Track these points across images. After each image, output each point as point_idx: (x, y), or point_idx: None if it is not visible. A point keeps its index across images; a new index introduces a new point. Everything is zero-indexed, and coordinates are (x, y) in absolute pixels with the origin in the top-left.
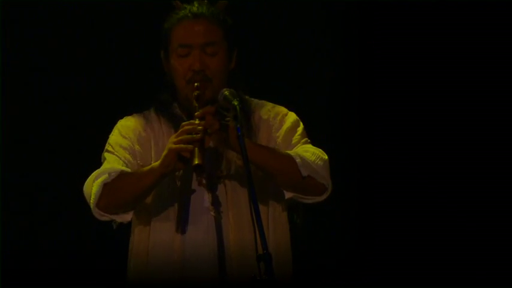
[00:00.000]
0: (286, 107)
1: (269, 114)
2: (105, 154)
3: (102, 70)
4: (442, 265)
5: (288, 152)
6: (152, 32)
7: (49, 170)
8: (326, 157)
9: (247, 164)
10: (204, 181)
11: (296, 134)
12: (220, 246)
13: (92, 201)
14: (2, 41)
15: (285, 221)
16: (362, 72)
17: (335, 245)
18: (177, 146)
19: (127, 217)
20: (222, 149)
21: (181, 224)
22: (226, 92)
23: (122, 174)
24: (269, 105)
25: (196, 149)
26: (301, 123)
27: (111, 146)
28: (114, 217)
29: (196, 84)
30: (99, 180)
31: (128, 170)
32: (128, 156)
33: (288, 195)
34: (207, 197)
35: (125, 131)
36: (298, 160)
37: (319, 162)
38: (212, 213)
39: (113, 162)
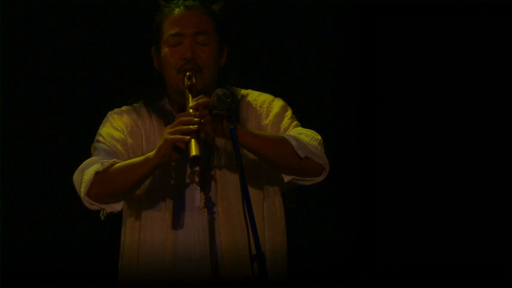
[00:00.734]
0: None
1: (256, 103)
2: (96, 144)
3: (101, 69)
4: (442, 265)
5: (282, 135)
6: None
7: (49, 170)
8: (320, 137)
9: (241, 165)
10: (196, 179)
11: (286, 119)
12: (212, 246)
13: (82, 189)
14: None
15: (281, 214)
16: (362, 72)
17: (335, 245)
18: (174, 136)
19: (117, 207)
20: (213, 140)
21: (173, 224)
22: (220, 92)
23: (114, 164)
24: (255, 94)
25: (193, 140)
26: (289, 108)
27: (103, 137)
28: (104, 206)
29: (188, 73)
30: (91, 169)
31: (120, 161)
32: (119, 148)
33: (286, 178)
34: (198, 197)
35: (117, 123)
36: (294, 143)
37: (314, 143)
38: (203, 212)
39: (104, 151)
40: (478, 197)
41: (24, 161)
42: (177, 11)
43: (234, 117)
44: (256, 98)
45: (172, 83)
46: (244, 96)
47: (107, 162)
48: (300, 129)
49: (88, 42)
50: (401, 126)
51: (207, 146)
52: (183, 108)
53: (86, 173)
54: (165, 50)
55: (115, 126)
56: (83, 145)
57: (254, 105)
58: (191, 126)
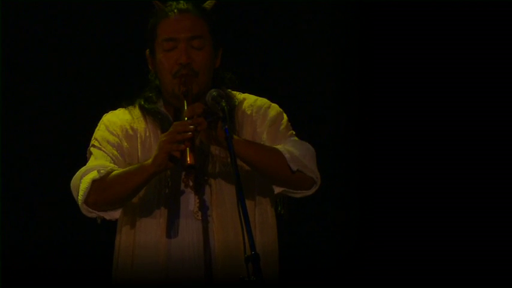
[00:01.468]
0: (286, 106)
1: (252, 109)
2: (92, 149)
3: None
4: (442, 265)
5: (276, 146)
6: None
7: (49, 169)
8: (313, 150)
9: (236, 167)
10: (190, 183)
11: (281, 127)
12: (206, 249)
13: (79, 197)
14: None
15: (272, 221)
16: (362, 72)
17: (335, 245)
18: (169, 145)
19: (115, 214)
20: (208, 147)
21: (167, 226)
22: (215, 93)
23: (111, 172)
24: (251, 99)
25: (188, 148)
26: (284, 115)
27: (98, 142)
28: (102, 214)
29: (183, 79)
30: (88, 177)
31: (116, 167)
32: (115, 152)
33: (277, 190)
34: (193, 200)
35: (112, 127)
36: (287, 155)
37: (307, 156)
38: (197, 216)
39: (100, 158)
40: (478, 197)
41: (24, 161)
42: (171, 14)
43: (228, 118)
44: (252, 103)
45: (167, 87)
46: (240, 102)
47: (104, 170)
48: (294, 140)
49: (84, 44)
50: (401, 126)
51: (202, 151)
52: (178, 110)
53: (83, 181)
54: (160, 54)
55: (110, 130)
56: (83, 145)
57: (250, 111)
58: (186, 135)
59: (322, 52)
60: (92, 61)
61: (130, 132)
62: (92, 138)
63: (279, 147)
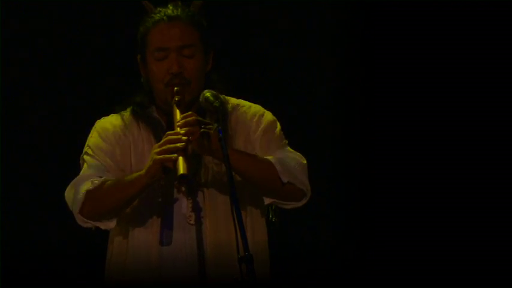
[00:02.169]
0: (285, 108)
1: (245, 116)
2: (85, 157)
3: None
4: (442, 265)
5: (268, 157)
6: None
7: (49, 169)
8: (305, 161)
9: (229, 166)
10: (183, 188)
11: (274, 137)
12: (198, 251)
13: (74, 208)
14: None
15: (263, 225)
16: (363, 73)
17: (335, 245)
18: (161, 156)
19: (110, 224)
20: (200, 156)
21: (160, 231)
22: (208, 94)
23: (105, 182)
24: (245, 105)
25: (180, 158)
26: (278, 124)
27: (91, 149)
28: (97, 224)
29: (176, 88)
30: (82, 187)
31: (110, 175)
32: (108, 160)
33: (267, 201)
34: (185, 204)
35: (105, 134)
36: (278, 167)
37: (298, 168)
38: (190, 221)
39: (93, 166)
40: (479, 197)
41: (24, 161)
42: (160, 22)
43: (222, 120)
44: (246, 110)
45: (160, 96)
46: (234, 107)
47: (97, 180)
48: (287, 150)
49: (79, 47)
50: (402, 126)
51: (194, 156)
52: (171, 115)
53: (77, 191)
54: (151, 63)
55: (103, 137)
56: (83, 145)
57: (244, 118)
58: (178, 145)
59: (323, 53)
60: (91, 61)
61: (123, 138)
62: (85, 146)
63: (271, 158)
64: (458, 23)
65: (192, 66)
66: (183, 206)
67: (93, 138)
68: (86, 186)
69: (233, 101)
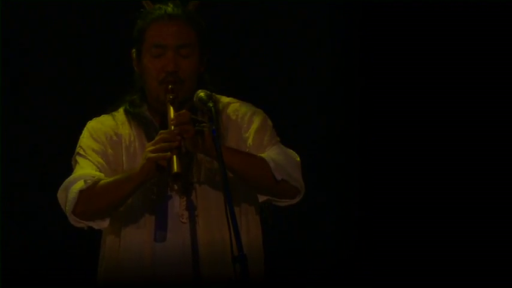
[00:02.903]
0: (284, 107)
1: (237, 114)
2: (77, 158)
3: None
4: (442, 265)
5: (261, 155)
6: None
7: (49, 169)
8: (298, 159)
9: (223, 165)
10: (176, 187)
11: (266, 134)
12: (192, 252)
13: (67, 208)
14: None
15: (257, 223)
16: (361, 73)
17: (335, 245)
18: (155, 155)
19: (103, 224)
20: (193, 154)
21: (152, 230)
22: (202, 94)
23: (98, 182)
24: (236, 104)
25: (174, 156)
26: (269, 121)
27: (83, 150)
28: (90, 224)
29: (170, 86)
30: (75, 187)
31: (102, 175)
32: (100, 160)
33: (261, 198)
34: (178, 203)
35: (97, 134)
36: (271, 164)
37: (292, 165)
38: (183, 219)
39: (86, 166)
40: (478, 198)
41: (24, 161)
42: (160, 19)
43: (215, 119)
44: (237, 108)
45: (152, 93)
46: (225, 106)
47: (90, 180)
48: (280, 147)
49: (79, 47)
50: (401, 126)
51: (187, 154)
52: (163, 115)
53: (70, 192)
54: (147, 59)
55: (95, 138)
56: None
57: (235, 116)
58: (172, 143)
59: (321, 52)
60: (91, 61)
61: (115, 138)
62: (77, 146)
63: (264, 155)
64: (457, 23)
65: (188, 66)
66: (175, 204)
67: (84, 138)
68: (79, 186)
69: (224, 99)
